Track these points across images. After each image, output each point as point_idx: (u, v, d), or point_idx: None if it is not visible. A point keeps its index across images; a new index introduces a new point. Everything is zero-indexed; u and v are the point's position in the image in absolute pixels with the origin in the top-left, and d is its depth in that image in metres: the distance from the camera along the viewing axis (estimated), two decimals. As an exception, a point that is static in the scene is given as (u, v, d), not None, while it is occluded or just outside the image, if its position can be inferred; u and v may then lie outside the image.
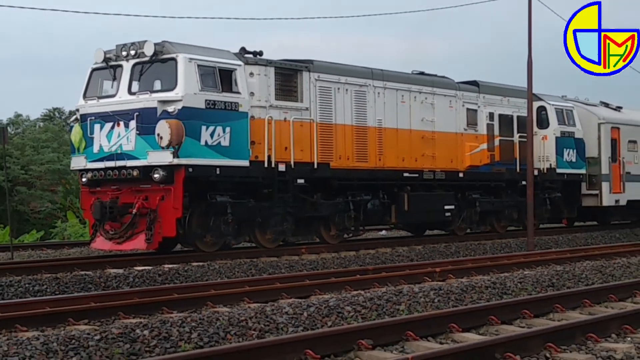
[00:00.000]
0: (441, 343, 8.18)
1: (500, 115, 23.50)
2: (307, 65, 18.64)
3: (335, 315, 9.29)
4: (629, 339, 8.30)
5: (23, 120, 48.72)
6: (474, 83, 23.25)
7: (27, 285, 12.63)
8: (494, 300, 10.58)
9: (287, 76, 18.19)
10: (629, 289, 11.60)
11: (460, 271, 14.31)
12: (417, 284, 12.52)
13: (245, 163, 16.95)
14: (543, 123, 24.64)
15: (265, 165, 17.30)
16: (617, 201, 26.68)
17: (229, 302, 10.99)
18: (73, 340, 7.61)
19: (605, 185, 26.16)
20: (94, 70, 17.35)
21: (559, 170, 24.99)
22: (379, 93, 20.10)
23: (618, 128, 27.07)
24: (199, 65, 16.35)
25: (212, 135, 16.34)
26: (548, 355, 7.43)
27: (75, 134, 17.15)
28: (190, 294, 11.33)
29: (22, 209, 37.53)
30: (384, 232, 25.38)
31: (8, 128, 38.79)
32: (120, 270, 14.43)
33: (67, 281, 13.04)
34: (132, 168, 16.17)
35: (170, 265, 15.14)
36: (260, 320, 8.83)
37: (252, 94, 17.24)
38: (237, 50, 17.69)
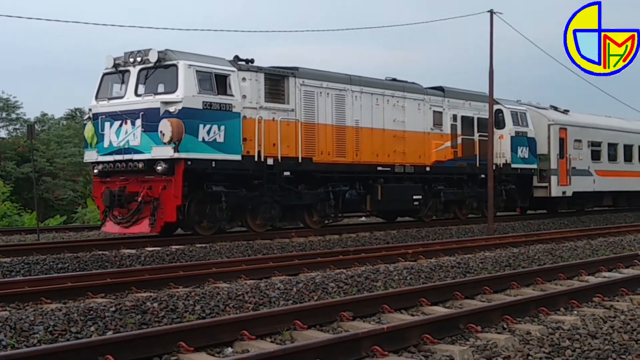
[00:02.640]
0: (412, 315, 8.18)
1: (462, 117, 23.46)
2: (293, 71, 18.54)
3: (320, 291, 9.28)
4: (575, 312, 8.33)
5: (48, 119, 48.44)
6: (439, 88, 23.20)
7: (51, 263, 12.58)
8: (459, 278, 10.60)
9: (276, 81, 18.05)
10: (575, 268, 11.64)
11: (429, 253, 14.29)
12: (392, 264, 12.52)
13: (238, 157, 16.85)
14: (500, 124, 24.66)
15: (256, 159, 17.20)
16: (564, 192, 26.80)
17: (228, 279, 10.95)
18: (91, 312, 7.57)
19: (554, 179, 26.26)
20: (105, 74, 17.21)
21: (513, 165, 25.04)
22: (356, 97, 20.02)
23: (565, 129, 27.15)
24: (197, 71, 16.25)
25: (208, 132, 16.23)
26: (505, 326, 7.43)
27: (88, 130, 17.02)
28: (194, 272, 11.28)
29: (47, 196, 37.37)
30: (363, 218, 25.38)
31: (35, 126, 38.52)
32: (133, 251, 14.38)
33: (87, 260, 12.99)
34: (138, 161, 16.07)
35: (176, 247, 15.09)
36: (255, 294, 8.81)
37: (244, 96, 17.12)
38: (231, 58, 17.56)
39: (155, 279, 10.52)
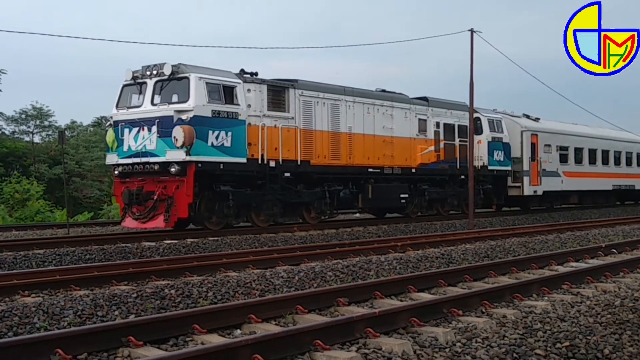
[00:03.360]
0: (401, 300, 8.16)
1: (444, 124, 23.32)
2: (293, 83, 18.42)
3: (319, 279, 9.27)
4: (546, 298, 8.32)
5: (77, 125, 48.34)
6: (424, 99, 23.06)
7: (80, 254, 12.56)
8: (443, 268, 10.58)
9: (277, 92, 17.92)
10: (546, 259, 11.62)
11: (416, 245, 14.27)
12: (383, 255, 12.50)
13: (243, 160, 16.75)
14: (478, 130, 24.54)
15: (259, 162, 17.11)
16: (535, 192, 26.77)
17: (237, 268, 10.93)
18: (115, 298, 7.56)
19: (526, 179, 26.22)
20: (124, 86, 17.10)
21: (490, 167, 24.96)
22: (349, 106, 19.90)
23: (536, 134, 27.13)
24: (207, 83, 16.15)
25: (217, 138, 16.15)
26: (484, 310, 7.41)
27: (109, 136, 16.90)
28: (207, 262, 11.27)
29: (76, 195, 37.33)
30: (357, 214, 25.32)
31: (66, 132, 38.51)
32: (153, 243, 14.36)
33: (111, 251, 12.97)
34: (154, 163, 16.02)
35: (191, 239, 15.07)
36: (261, 282, 8.79)
37: (249, 105, 17.00)
38: (237, 71, 17.45)
39: (172, 269, 10.49)
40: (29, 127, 43.53)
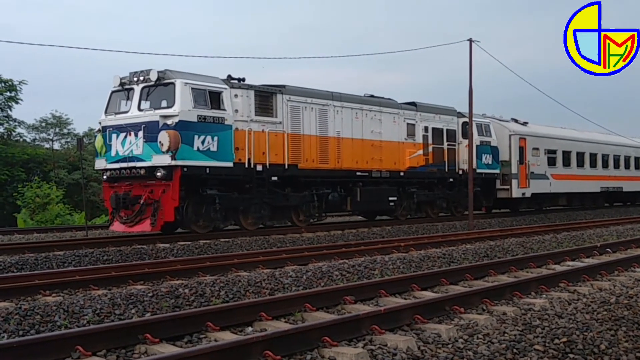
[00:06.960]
0: (405, 299, 8.13)
1: (433, 128, 22.83)
2: (281, 89, 18.01)
3: (326, 278, 9.24)
4: (544, 295, 8.28)
5: (95, 133, 48.52)
6: (412, 104, 22.57)
7: (98, 255, 12.56)
8: (444, 267, 10.54)
9: (265, 97, 17.51)
10: (544, 258, 11.56)
11: (419, 245, 14.21)
12: (387, 255, 12.46)
13: (230, 164, 16.36)
14: (467, 134, 24.20)
15: (246, 166, 16.72)
16: (523, 194, 26.41)
17: (248, 268, 10.91)
18: (132, 297, 7.55)
19: (514, 182, 25.86)
20: (112, 92, 16.72)
21: (479, 170, 24.36)
22: (337, 111, 19.47)
23: (525, 138, 26.83)
24: (192, 88, 15.79)
25: (203, 142, 15.80)
26: (484, 307, 7.38)
27: (98, 141, 16.61)
28: (219, 262, 11.23)
29: (94, 199, 37.37)
30: (361, 216, 25.26)
31: (84, 139, 38.61)
32: (167, 245, 14.35)
33: (128, 252, 12.97)
34: (140, 168, 15.66)
35: (204, 241, 15.05)
36: (271, 281, 8.77)
37: (236, 111, 16.63)
38: (224, 77, 17.07)
39: (186, 269, 10.47)
40: (49, 134, 43.71)
